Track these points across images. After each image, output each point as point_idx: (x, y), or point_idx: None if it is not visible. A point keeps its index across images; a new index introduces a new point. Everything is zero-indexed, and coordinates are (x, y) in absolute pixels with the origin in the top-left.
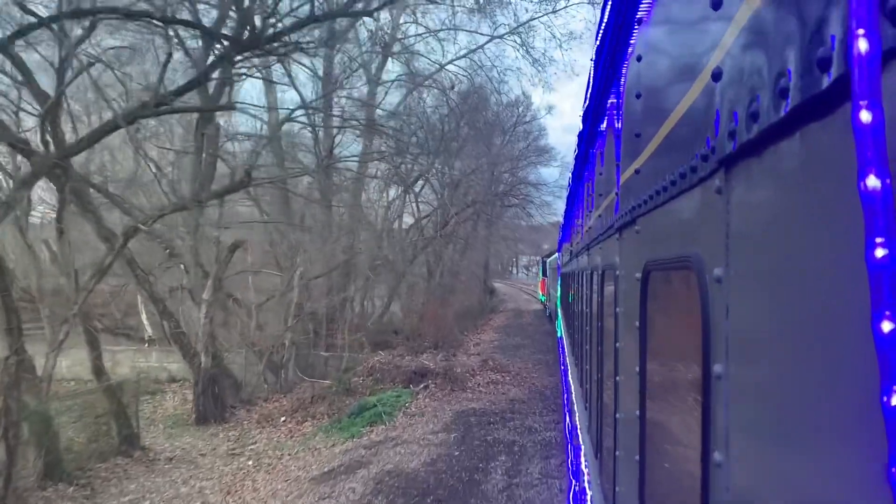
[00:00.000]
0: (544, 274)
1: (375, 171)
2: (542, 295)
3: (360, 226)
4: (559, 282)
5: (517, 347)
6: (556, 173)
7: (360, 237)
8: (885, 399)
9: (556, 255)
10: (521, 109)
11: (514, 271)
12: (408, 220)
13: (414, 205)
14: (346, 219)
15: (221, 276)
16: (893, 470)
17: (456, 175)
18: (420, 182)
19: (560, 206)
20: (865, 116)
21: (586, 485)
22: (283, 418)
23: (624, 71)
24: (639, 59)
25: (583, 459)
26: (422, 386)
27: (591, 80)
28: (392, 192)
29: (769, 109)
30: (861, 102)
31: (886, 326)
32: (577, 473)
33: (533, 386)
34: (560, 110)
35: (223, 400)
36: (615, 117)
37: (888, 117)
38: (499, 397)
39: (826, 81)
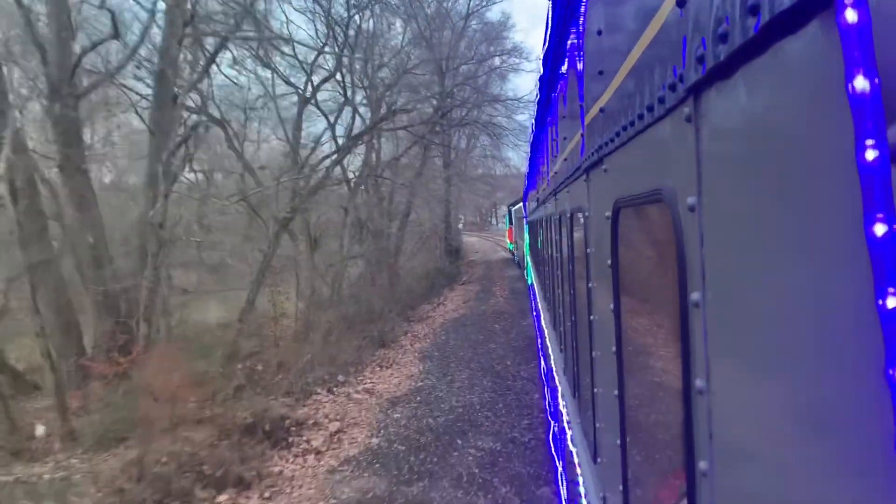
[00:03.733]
0: (511, 222)
1: None
2: (511, 243)
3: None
4: (527, 229)
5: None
6: (530, 83)
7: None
8: (880, 303)
9: (522, 203)
10: None
11: (494, 222)
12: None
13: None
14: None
15: None
16: (891, 372)
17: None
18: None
19: None
20: (851, 16)
21: (565, 425)
22: None
23: (583, 9)
24: None
25: (560, 400)
26: None
27: (550, 22)
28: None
29: (739, 29)
30: (846, 1)
31: (880, 229)
32: (556, 415)
33: None
34: None
35: None
36: (577, 57)
37: (874, 16)
38: None
39: None
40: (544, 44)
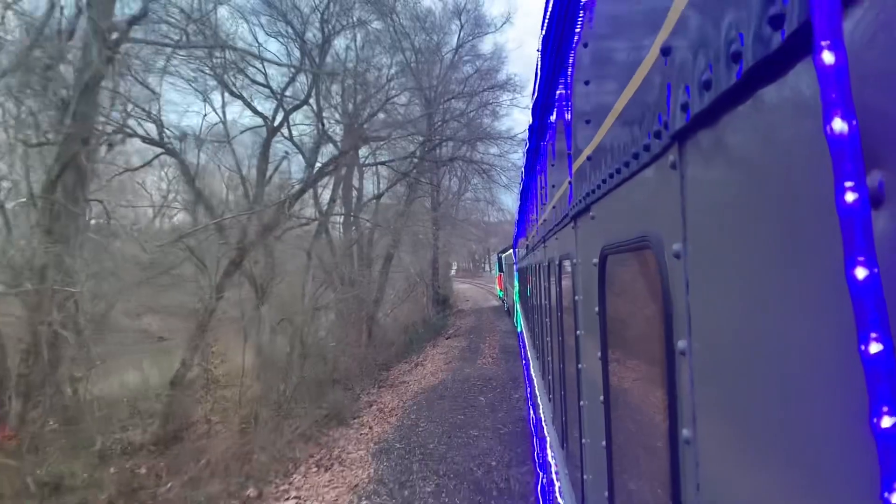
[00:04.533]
0: (501, 269)
1: None
2: (500, 290)
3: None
4: (516, 276)
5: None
6: (522, 122)
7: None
8: (862, 348)
9: (512, 250)
10: (463, 20)
11: (488, 268)
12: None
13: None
14: None
15: None
16: (875, 420)
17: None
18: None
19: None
20: (828, 58)
21: (553, 476)
22: None
23: (571, 60)
24: (585, 45)
25: (549, 451)
26: None
27: (539, 71)
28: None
29: (722, 76)
30: (823, 43)
31: (860, 273)
32: (544, 465)
33: None
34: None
35: None
36: (565, 107)
37: (851, 59)
38: None
39: (779, 39)
40: (533, 93)
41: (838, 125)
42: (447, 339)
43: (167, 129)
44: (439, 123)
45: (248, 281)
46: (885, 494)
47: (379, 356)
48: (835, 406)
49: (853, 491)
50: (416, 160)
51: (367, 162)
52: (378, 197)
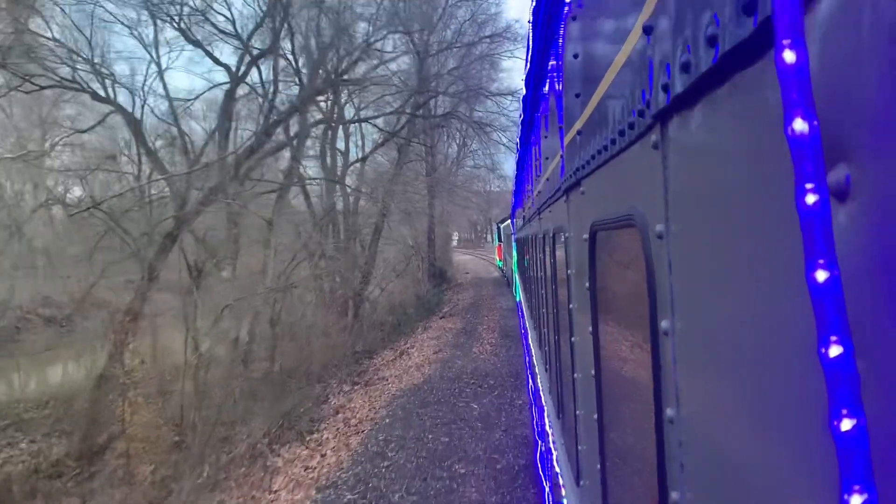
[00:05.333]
0: (499, 240)
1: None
2: (500, 261)
3: None
4: (514, 247)
5: None
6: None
7: None
8: (822, 351)
9: (510, 220)
10: None
11: (490, 239)
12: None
13: None
14: None
15: None
16: (835, 423)
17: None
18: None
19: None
20: (789, 56)
21: (552, 445)
22: None
23: (562, 32)
24: (574, 18)
25: (546, 420)
26: None
27: (531, 43)
28: None
29: (699, 59)
30: (784, 42)
31: (821, 276)
32: (543, 434)
33: None
34: None
35: None
36: (556, 79)
37: (812, 57)
38: None
39: (752, 26)
40: (526, 64)
41: (799, 125)
42: (441, 318)
43: (118, 83)
44: (432, 77)
45: (185, 260)
46: (845, 496)
47: (363, 341)
48: (824, 390)
49: (827, 473)
50: (406, 117)
51: (350, 118)
52: (363, 160)
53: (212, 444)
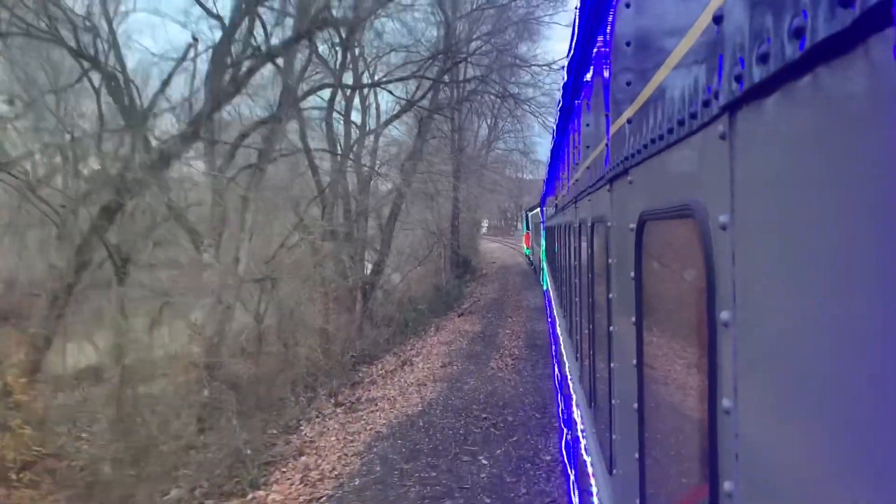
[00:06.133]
0: (527, 228)
1: None
2: (527, 249)
3: None
4: (543, 235)
5: None
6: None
7: None
8: None
9: (540, 208)
10: None
11: (519, 227)
12: None
13: None
14: None
15: None
16: None
17: None
18: None
19: None
20: None
21: (579, 433)
22: None
23: (611, 18)
24: (627, 5)
25: (574, 409)
26: None
27: (576, 30)
28: None
29: (781, 51)
30: None
31: None
32: (570, 422)
33: None
34: None
35: None
36: (603, 66)
37: None
38: None
39: (849, 18)
40: (569, 51)
41: None
42: (459, 315)
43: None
44: (461, 41)
45: (106, 247)
46: None
47: (365, 342)
48: (884, 382)
49: None
50: (429, 83)
51: (364, 83)
52: (375, 132)
53: None
